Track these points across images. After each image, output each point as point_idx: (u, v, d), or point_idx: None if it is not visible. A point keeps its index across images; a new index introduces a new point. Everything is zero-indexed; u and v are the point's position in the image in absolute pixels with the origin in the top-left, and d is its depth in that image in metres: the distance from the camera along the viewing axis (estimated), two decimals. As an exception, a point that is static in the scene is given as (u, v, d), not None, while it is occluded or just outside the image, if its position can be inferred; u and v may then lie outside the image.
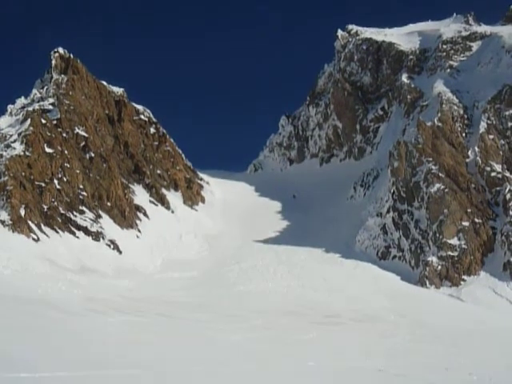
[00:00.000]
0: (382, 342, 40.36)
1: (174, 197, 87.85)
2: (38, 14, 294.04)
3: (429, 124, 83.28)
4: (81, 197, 69.80)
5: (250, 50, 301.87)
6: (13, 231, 56.95)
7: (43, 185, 66.15)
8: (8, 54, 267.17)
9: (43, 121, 72.67)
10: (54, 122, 75.04)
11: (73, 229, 64.76)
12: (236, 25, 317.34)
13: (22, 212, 59.81)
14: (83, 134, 78.43)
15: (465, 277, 67.45)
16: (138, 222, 75.44)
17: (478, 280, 66.92)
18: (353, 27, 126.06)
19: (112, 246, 66.23)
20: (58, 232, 62.46)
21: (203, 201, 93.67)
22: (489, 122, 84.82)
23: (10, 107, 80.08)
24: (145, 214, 78.04)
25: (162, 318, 40.71)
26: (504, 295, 63.60)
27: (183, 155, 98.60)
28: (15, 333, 26.96)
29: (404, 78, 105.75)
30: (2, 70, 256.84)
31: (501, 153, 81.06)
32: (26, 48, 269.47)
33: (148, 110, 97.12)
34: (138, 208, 77.96)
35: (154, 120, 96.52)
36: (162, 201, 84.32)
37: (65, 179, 69.55)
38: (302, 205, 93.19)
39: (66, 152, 72.11)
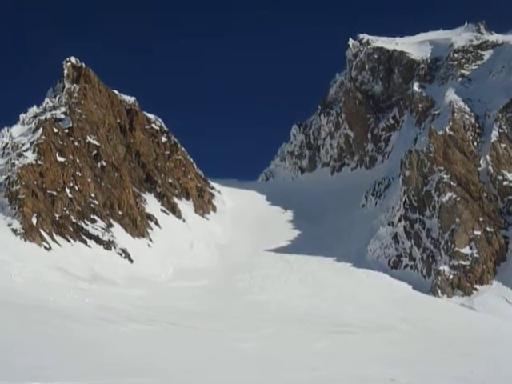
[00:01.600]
0: (393, 351, 40.18)
1: (185, 205, 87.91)
2: (51, 24, 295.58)
3: (440, 133, 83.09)
4: (92, 205, 69.93)
5: (261, 58, 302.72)
6: (25, 240, 57.09)
7: (55, 193, 66.33)
8: (20, 63, 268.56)
9: (55, 130, 72.95)
10: (66, 130, 75.34)
11: (84, 237, 64.84)
12: (247, 33, 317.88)
13: (34, 221, 59.92)
14: (95, 142, 78.67)
15: (477, 286, 67.11)
16: (149, 230, 75.49)
17: (491, 289, 66.56)
18: (364, 36, 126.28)
19: (123, 255, 66.26)
20: (69, 241, 62.57)
21: (214, 209, 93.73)
22: (500, 130, 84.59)
23: (22, 116, 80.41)
24: (156, 223, 78.09)
25: (173, 326, 40.69)
26: (516, 304, 63.27)
27: (194, 164, 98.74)
28: (27, 341, 26.98)
29: (415, 86, 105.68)
30: (14, 78, 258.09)
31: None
32: (38, 57, 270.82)
33: (159, 119, 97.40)
34: (150, 217, 78.02)
35: (166, 129, 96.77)
36: (174, 209, 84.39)
37: (76, 188, 69.70)
38: (314, 214, 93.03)
39: (77, 161, 72.32)
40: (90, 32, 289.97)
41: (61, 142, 72.20)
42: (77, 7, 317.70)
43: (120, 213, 73.36)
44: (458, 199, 73.17)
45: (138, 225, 74.15)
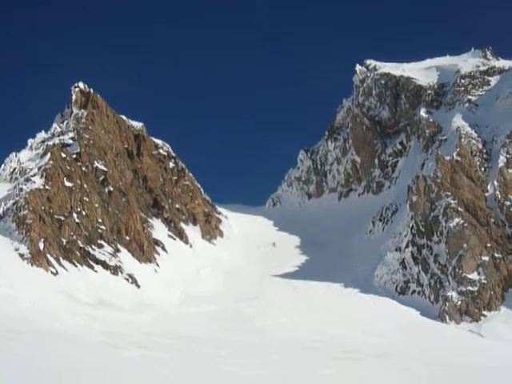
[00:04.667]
0: (400, 378, 39.92)
1: (192, 231, 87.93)
2: (60, 49, 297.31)
3: (447, 158, 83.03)
4: (99, 231, 69.96)
5: (268, 84, 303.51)
6: (32, 264, 57.14)
7: (62, 218, 66.42)
8: (29, 88, 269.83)
9: (63, 155, 73.18)
10: (74, 156, 75.61)
11: (91, 263, 64.84)
12: (256, 59, 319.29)
13: (41, 245, 60.01)
14: (102, 168, 78.86)
15: (485, 312, 66.74)
16: (156, 256, 75.44)
17: (499, 315, 66.14)
18: (371, 62, 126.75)
19: (130, 280, 66.17)
20: (76, 266, 62.56)
21: (221, 235, 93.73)
22: (508, 156, 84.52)
23: (30, 141, 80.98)
24: (163, 248, 78.05)
25: (179, 352, 40.52)
26: (525, 331, 62.73)
27: (202, 189, 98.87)
28: (33, 365, 26.93)
29: (422, 112, 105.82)
30: (22, 104, 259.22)
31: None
32: (46, 82, 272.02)
33: (167, 145, 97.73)
34: (157, 242, 78.00)
35: (173, 154, 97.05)
36: (181, 235, 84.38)
37: (84, 213, 69.78)
38: (321, 239, 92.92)
39: (85, 186, 72.45)
40: (98, 57, 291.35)
41: (68, 167, 72.40)
42: (87, 30, 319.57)
43: (127, 238, 73.38)
44: (466, 225, 72.96)
45: (145, 250, 74.12)
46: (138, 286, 66.23)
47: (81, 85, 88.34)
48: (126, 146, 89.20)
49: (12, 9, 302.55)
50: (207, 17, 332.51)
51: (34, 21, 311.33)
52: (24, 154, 79.75)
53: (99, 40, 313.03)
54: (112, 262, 66.72)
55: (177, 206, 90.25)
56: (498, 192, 79.29)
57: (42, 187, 67.31)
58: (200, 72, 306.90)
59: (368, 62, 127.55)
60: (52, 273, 58.21)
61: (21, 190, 66.80)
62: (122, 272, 66.54)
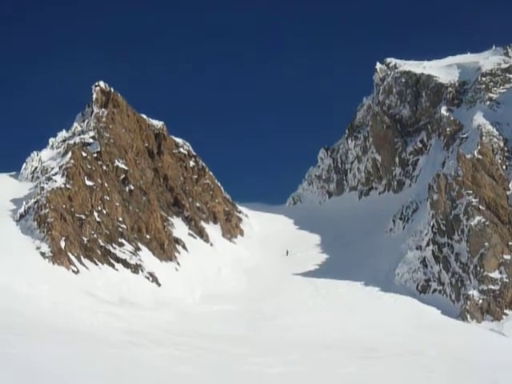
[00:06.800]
0: (422, 377, 39.79)
1: (212, 229, 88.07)
2: (81, 48, 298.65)
3: (468, 156, 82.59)
4: (120, 229, 70.22)
5: (288, 82, 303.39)
6: (53, 263, 57.34)
7: (83, 217, 66.69)
8: (50, 87, 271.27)
9: (84, 154, 73.53)
10: (95, 154, 75.94)
11: (112, 261, 65.04)
12: (276, 57, 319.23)
13: (62, 244, 60.24)
14: (123, 166, 79.15)
15: (507, 311, 66.28)
16: (176, 254, 75.61)
17: (521, 314, 65.73)
18: (391, 60, 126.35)
19: (151, 279, 66.34)
20: (97, 264, 62.78)
21: (242, 233, 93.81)
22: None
23: (51, 140, 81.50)
24: (184, 247, 78.21)
25: (199, 351, 40.59)
26: (547, 330, 62.29)
27: (222, 188, 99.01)
28: (54, 365, 27.04)
29: (443, 110, 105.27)
30: (44, 103, 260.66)
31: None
32: (67, 81, 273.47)
33: (187, 144, 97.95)
34: (177, 241, 78.18)
35: (194, 153, 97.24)
36: (201, 233, 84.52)
37: (104, 212, 70.07)
38: (341, 238, 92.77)
39: (105, 185, 72.75)
40: (119, 56, 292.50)
41: (89, 166, 72.73)
42: (106, 30, 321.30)
43: (148, 236, 73.60)
44: (487, 223, 72.55)
45: (166, 248, 74.31)
46: (159, 285, 66.40)
47: (101, 84, 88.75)
48: (146, 145, 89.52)
49: (33, 5, 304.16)
50: (226, 14, 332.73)
51: (53, 18, 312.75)
52: (45, 153, 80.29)
53: (119, 40, 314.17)
54: (133, 261, 66.93)
55: (197, 204, 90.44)
56: (519, 190, 78.90)
57: (63, 186, 67.67)
58: (220, 69, 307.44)
59: (388, 60, 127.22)
60: (73, 271, 58.43)
61: (42, 188, 67.19)
62: (142, 270, 66.73)
